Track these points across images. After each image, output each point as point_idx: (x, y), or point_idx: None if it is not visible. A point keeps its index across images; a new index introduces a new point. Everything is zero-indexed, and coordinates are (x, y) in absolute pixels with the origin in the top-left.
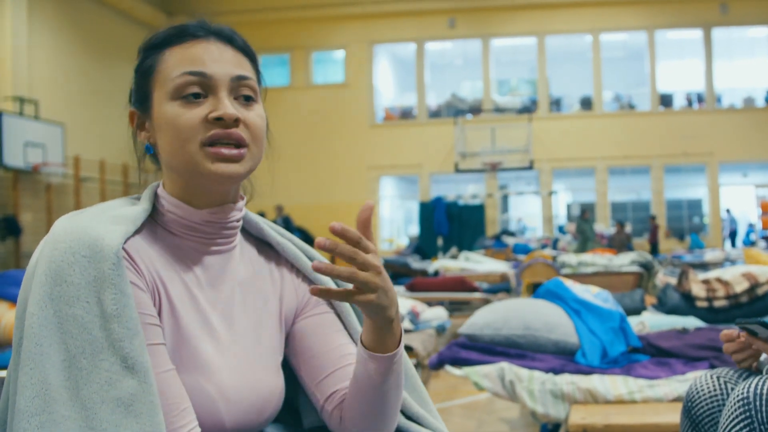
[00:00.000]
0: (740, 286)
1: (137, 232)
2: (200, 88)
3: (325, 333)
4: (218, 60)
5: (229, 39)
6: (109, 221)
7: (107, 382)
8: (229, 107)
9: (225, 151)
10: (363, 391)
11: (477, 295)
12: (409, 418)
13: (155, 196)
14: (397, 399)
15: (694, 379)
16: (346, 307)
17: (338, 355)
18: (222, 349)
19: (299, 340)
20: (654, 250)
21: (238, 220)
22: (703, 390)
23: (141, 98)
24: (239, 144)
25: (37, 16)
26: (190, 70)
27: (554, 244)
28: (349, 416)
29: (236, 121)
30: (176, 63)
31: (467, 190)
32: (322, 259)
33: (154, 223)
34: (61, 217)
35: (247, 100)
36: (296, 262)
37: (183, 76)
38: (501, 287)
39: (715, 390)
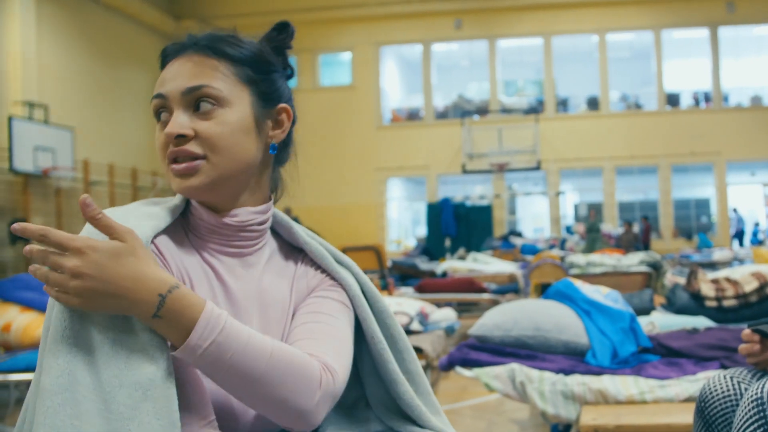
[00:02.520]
0: (750, 286)
1: (168, 230)
2: (164, 109)
3: (308, 311)
4: (175, 76)
5: (201, 47)
6: (141, 216)
7: (126, 366)
8: (171, 126)
9: (175, 166)
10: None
11: (485, 296)
12: (411, 420)
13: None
14: (249, 388)
15: (708, 379)
16: (371, 323)
17: (304, 330)
18: None
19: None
20: (646, 250)
21: (260, 224)
22: (716, 390)
23: None
24: (192, 158)
25: (46, 21)
26: (155, 94)
27: (562, 245)
28: None
29: (182, 137)
30: (155, 88)
31: (475, 191)
32: (352, 263)
33: (185, 224)
34: None
35: (205, 112)
36: (323, 263)
37: (152, 101)
38: (509, 288)
39: (728, 390)
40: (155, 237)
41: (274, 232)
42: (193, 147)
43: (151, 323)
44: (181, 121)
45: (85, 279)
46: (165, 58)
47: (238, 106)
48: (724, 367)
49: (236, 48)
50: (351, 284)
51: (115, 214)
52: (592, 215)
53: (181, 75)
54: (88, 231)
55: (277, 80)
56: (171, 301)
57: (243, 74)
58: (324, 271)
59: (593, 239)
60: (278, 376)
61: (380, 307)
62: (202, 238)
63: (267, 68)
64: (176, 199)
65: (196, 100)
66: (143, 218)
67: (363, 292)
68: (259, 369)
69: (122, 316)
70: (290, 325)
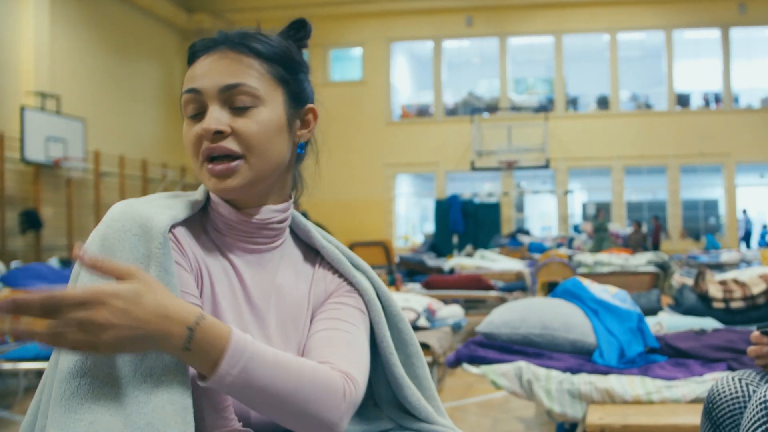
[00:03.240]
0: (757, 288)
1: (187, 222)
2: (197, 105)
3: (328, 318)
4: (209, 72)
5: (236, 44)
6: (161, 206)
7: (142, 353)
8: (209, 121)
9: (212, 167)
10: None
11: (493, 293)
12: (418, 418)
13: (208, 193)
14: (277, 407)
15: (716, 381)
16: (383, 328)
17: (323, 337)
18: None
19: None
20: (656, 250)
21: (279, 222)
22: (724, 392)
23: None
24: (230, 156)
25: (59, 12)
26: (187, 88)
27: (569, 244)
28: None
29: (219, 134)
30: (185, 82)
31: (483, 189)
32: (367, 268)
33: (204, 218)
34: (119, 202)
35: (241, 109)
36: (340, 267)
37: (184, 95)
38: (516, 285)
39: (736, 392)
40: (173, 227)
41: (291, 231)
42: (230, 144)
43: (180, 355)
44: (218, 117)
45: (116, 329)
46: (194, 54)
47: (272, 105)
48: (731, 368)
49: (269, 47)
50: (367, 289)
51: (136, 204)
52: (600, 215)
53: (216, 71)
54: (89, 278)
55: (305, 80)
56: (199, 332)
57: (276, 73)
58: (341, 275)
59: (601, 239)
60: (304, 393)
61: (393, 311)
62: (221, 233)
63: (296, 68)
64: (197, 194)
65: (233, 98)
66: (162, 208)
67: (378, 296)
68: (287, 389)
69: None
70: (309, 329)
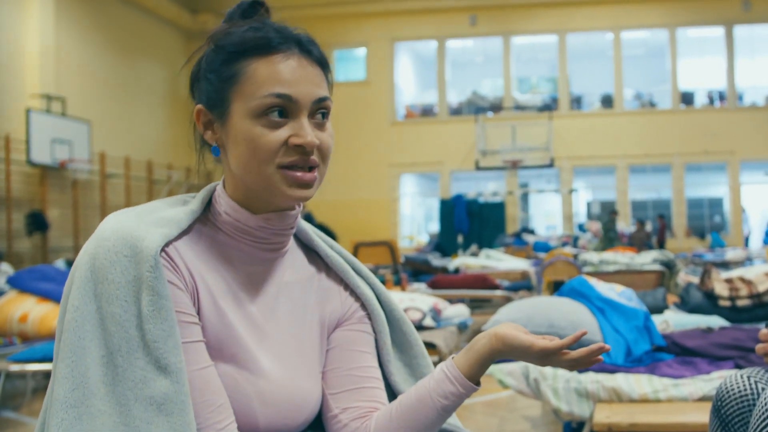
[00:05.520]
0: (763, 286)
1: (183, 236)
2: (284, 110)
3: (355, 350)
4: (302, 80)
5: (308, 51)
6: (153, 223)
7: (141, 380)
8: (309, 135)
9: (302, 175)
10: (417, 413)
11: (498, 292)
12: None
13: (212, 196)
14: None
15: (724, 379)
16: (384, 336)
17: (363, 375)
18: (262, 350)
19: (331, 349)
20: (662, 248)
21: (292, 227)
22: (733, 389)
23: (217, 102)
24: (312, 167)
25: (64, 14)
26: (278, 93)
27: (574, 242)
28: None
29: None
30: (263, 80)
31: (488, 188)
32: (369, 274)
33: (204, 222)
34: (112, 213)
35: (323, 122)
36: (344, 275)
37: (269, 97)
38: (522, 285)
39: (745, 390)
40: (170, 243)
41: (294, 235)
42: (316, 156)
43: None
44: (311, 131)
45: None
46: (267, 48)
47: (330, 121)
48: (738, 366)
49: (327, 61)
50: (370, 298)
51: (128, 220)
52: (612, 216)
53: (308, 81)
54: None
55: None
56: None
57: (330, 89)
58: (347, 287)
59: (609, 238)
60: None
61: (397, 315)
62: (229, 236)
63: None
64: (193, 204)
65: (317, 110)
66: (155, 225)
67: (380, 302)
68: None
69: (137, 327)
70: (328, 348)
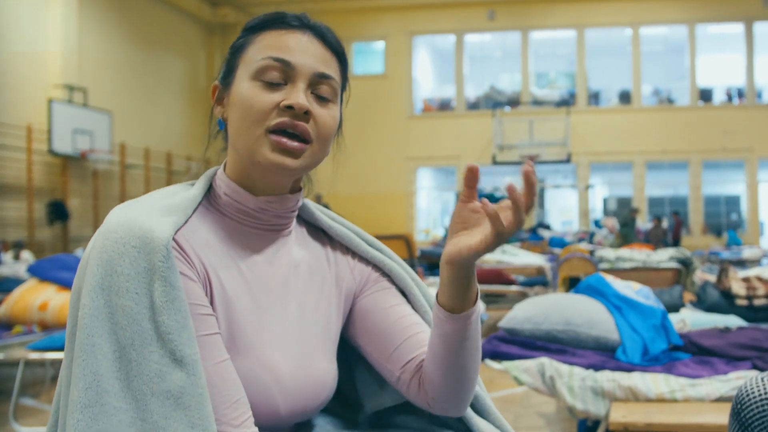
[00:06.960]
0: None
1: (189, 223)
2: (281, 75)
3: (387, 307)
4: (305, 52)
5: (322, 35)
6: (160, 212)
7: (156, 374)
8: (301, 98)
9: (286, 141)
10: (441, 356)
11: (514, 287)
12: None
13: (212, 180)
14: (476, 360)
15: (745, 381)
16: (408, 281)
17: (405, 324)
18: (277, 333)
19: (362, 319)
20: (676, 245)
21: (293, 210)
22: (753, 392)
23: (226, 73)
24: (303, 138)
25: (87, 5)
26: (276, 56)
27: (590, 238)
28: (429, 382)
29: (306, 114)
30: (265, 46)
31: (504, 182)
32: (375, 241)
33: (208, 206)
34: (116, 207)
35: (324, 100)
36: (350, 244)
37: (267, 59)
38: (537, 280)
39: (766, 392)
40: (178, 231)
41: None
42: (311, 128)
43: (468, 280)
44: (306, 98)
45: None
46: (280, 23)
47: (337, 107)
48: (756, 367)
49: (344, 52)
50: (382, 260)
51: (134, 211)
52: (633, 214)
53: (312, 54)
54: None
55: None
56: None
57: (343, 79)
58: (354, 255)
59: (626, 234)
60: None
61: (414, 277)
62: (232, 219)
63: (347, 74)
64: (195, 189)
65: (319, 87)
66: (162, 215)
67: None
68: (479, 342)
69: (150, 320)
70: (351, 307)
